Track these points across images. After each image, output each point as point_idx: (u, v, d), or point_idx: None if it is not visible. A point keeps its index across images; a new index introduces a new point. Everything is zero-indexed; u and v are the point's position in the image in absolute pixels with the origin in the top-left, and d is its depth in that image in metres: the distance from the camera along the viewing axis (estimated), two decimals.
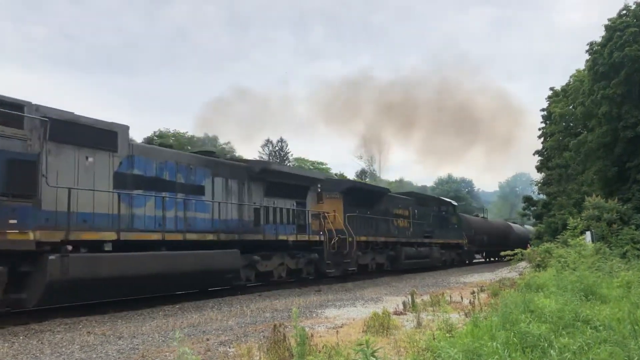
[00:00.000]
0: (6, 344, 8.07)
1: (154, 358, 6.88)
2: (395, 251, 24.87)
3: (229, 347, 7.41)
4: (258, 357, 6.27)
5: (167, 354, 7.07)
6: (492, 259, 43.58)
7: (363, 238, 21.80)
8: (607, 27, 24.60)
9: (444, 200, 34.90)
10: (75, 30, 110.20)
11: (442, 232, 30.78)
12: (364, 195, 23.33)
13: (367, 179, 71.17)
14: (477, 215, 44.89)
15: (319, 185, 20.72)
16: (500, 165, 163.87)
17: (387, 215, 25.09)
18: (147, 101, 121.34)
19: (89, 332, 9.04)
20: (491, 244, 40.41)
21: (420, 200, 30.26)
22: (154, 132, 56.94)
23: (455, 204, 35.70)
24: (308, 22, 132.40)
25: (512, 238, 43.50)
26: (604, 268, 13.30)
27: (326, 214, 20.27)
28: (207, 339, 8.07)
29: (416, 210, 28.11)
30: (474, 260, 39.40)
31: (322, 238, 19.46)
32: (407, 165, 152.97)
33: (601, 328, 6.52)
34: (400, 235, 25.69)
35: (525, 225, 55.94)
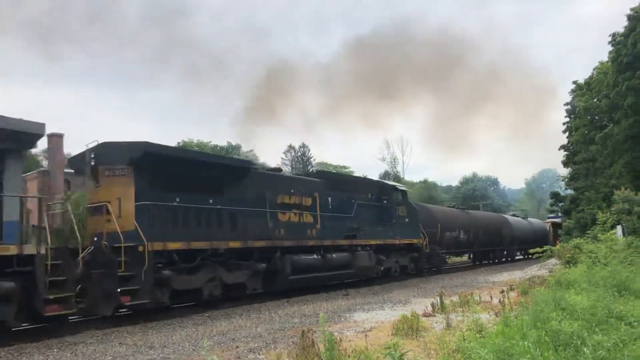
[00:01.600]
0: (41, 357, 8.23)
1: None
2: (274, 262, 15.63)
3: (259, 354, 7.45)
4: None
5: None
6: (482, 262, 35.16)
7: (174, 245, 12.57)
8: (629, 17, 24.19)
9: (384, 184, 24.04)
10: (97, 48, 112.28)
11: (379, 230, 21.14)
12: (189, 171, 13.70)
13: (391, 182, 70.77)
14: (454, 207, 35.94)
15: (92, 156, 12.83)
16: (524, 148, 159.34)
17: (259, 205, 15.59)
18: (170, 113, 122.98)
19: (120, 343, 9.16)
20: (472, 244, 32.02)
21: (337, 184, 20.37)
22: (178, 143, 57.70)
23: (404, 188, 25.18)
24: (327, 25, 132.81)
25: (507, 235, 36.53)
26: (636, 262, 13.01)
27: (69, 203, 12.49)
28: (237, 347, 8.12)
29: (330, 199, 18.80)
30: (446, 267, 29.58)
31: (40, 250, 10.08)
32: (432, 165, 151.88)
33: (636, 324, 6.41)
34: (292, 235, 16.49)
35: (530, 219, 48.07)
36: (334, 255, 18.17)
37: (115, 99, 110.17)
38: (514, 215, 48.41)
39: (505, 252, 38.05)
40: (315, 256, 17.36)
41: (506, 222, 37.73)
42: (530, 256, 42.04)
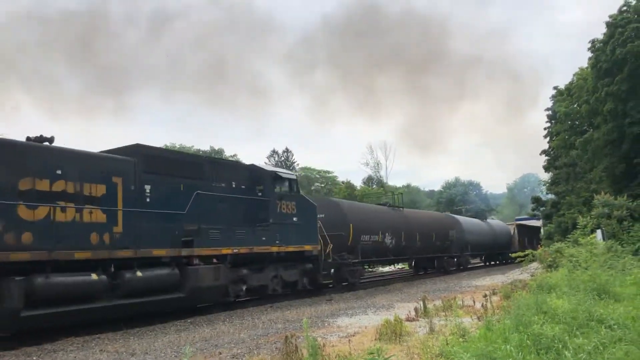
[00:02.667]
0: None
1: None
2: None
3: None
4: None
5: None
6: (428, 271, 29.13)
7: None
8: (608, 24, 24.59)
9: (257, 169, 17.20)
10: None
11: (242, 233, 14.95)
12: None
13: (374, 186, 71.03)
14: (385, 204, 27.36)
15: None
16: (506, 153, 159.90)
17: None
18: (152, 118, 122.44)
19: (101, 350, 9.05)
20: (405, 250, 25.43)
21: (166, 166, 13.54)
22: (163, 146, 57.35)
23: (292, 176, 18.60)
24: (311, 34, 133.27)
25: (456, 239, 30.33)
26: (616, 266, 13.20)
27: None
28: (220, 353, 8.06)
29: (149, 187, 12.73)
30: (364, 280, 22.83)
31: None
32: (415, 170, 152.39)
33: (616, 327, 6.49)
34: (52, 242, 10.26)
35: (491, 220, 42.04)
36: (138, 274, 11.67)
37: (98, 99, 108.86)
38: (471, 216, 42.01)
39: (455, 260, 31.12)
40: (93, 276, 10.84)
41: (456, 224, 31.50)
42: (491, 263, 38.70)
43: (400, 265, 35.56)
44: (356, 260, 20.97)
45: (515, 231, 41.59)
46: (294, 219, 17.14)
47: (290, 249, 16.65)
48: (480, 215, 42.15)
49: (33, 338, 10.27)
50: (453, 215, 35.84)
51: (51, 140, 11.69)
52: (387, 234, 23.61)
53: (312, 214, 18.18)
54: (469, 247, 32.33)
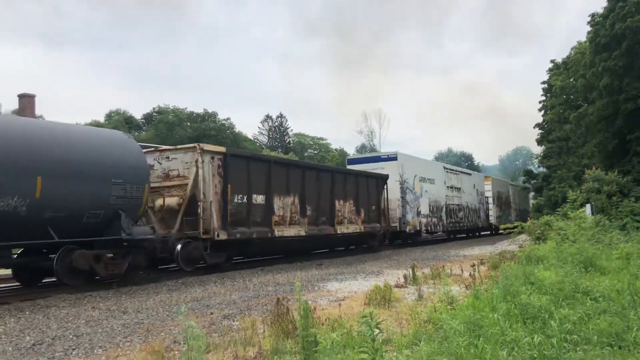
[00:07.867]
0: (12, 319, 8.17)
1: (159, 332, 6.96)
2: None
3: (233, 321, 7.50)
4: (262, 330, 6.36)
5: (172, 327, 7.16)
6: None
7: None
8: None
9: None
10: (69, 7, 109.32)
11: None
12: None
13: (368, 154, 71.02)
14: None
15: None
16: (502, 126, 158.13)
17: None
18: (145, 78, 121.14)
19: (93, 307, 9.14)
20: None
21: None
22: (153, 108, 56.86)
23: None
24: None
25: None
26: (603, 240, 13.40)
27: None
28: (211, 313, 8.17)
29: None
30: None
31: None
32: (408, 139, 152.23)
33: (601, 299, 6.62)
34: None
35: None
36: None
37: (82, 60, 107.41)
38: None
39: None
40: None
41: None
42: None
43: None
44: None
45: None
46: None
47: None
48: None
49: (26, 294, 10.37)
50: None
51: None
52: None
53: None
54: None
